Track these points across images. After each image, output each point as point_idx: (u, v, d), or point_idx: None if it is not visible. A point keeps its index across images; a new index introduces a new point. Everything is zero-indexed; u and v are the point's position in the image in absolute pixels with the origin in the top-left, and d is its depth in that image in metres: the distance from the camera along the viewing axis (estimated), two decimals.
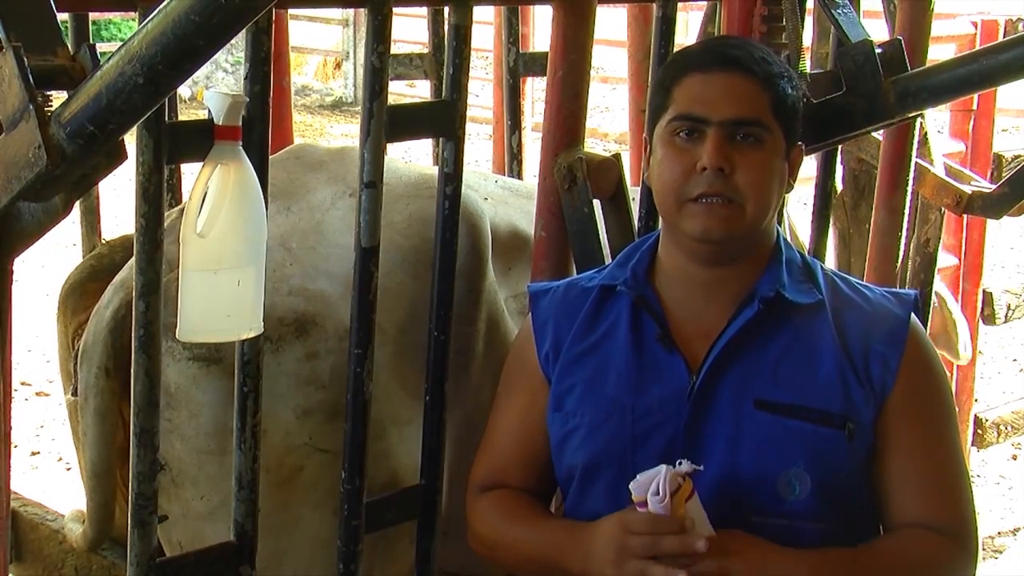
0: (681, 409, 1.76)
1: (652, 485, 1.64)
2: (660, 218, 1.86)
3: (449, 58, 2.01)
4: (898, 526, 1.78)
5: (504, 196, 2.43)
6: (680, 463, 1.64)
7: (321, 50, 14.75)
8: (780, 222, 2.39)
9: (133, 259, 1.69)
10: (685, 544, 1.62)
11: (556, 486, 1.94)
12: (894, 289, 1.97)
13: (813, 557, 1.69)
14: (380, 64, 1.86)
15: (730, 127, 1.73)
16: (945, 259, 3.83)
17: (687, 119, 1.75)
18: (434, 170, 2.20)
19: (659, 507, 1.63)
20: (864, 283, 1.90)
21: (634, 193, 2.30)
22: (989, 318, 4.25)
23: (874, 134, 2.84)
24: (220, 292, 1.67)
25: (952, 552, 1.75)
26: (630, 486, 1.66)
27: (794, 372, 1.75)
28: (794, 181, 1.85)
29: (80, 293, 2.17)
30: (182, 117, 2.12)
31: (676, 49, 2.20)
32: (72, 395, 2.11)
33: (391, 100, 1.89)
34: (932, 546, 1.74)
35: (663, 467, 1.64)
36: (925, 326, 2.92)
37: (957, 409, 4.15)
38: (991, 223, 4.21)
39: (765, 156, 1.75)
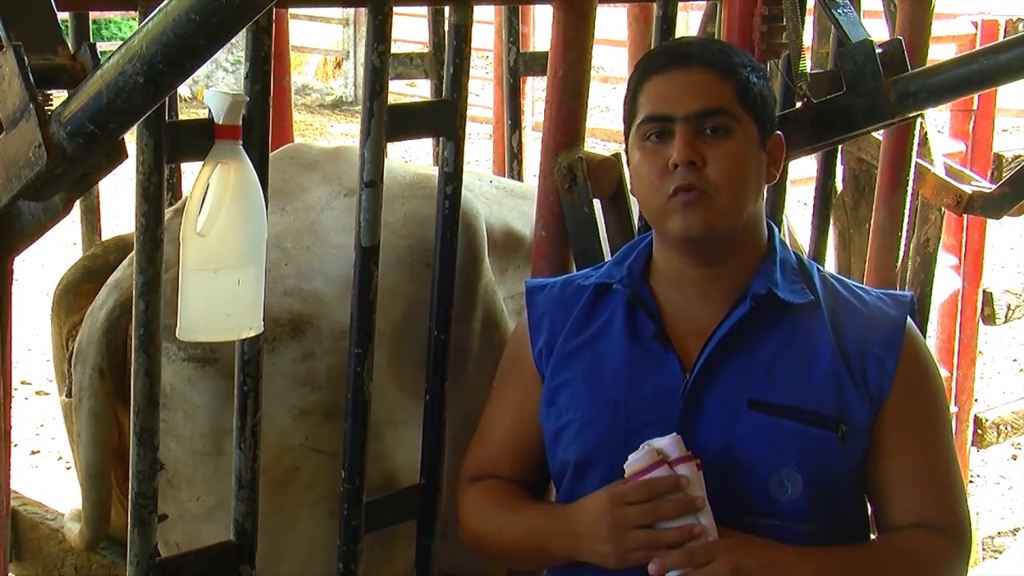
0: (674, 407, 1.76)
1: (668, 447, 1.66)
2: None
3: (449, 57, 2.01)
4: (895, 527, 1.78)
5: (499, 196, 2.43)
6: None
7: (321, 49, 14.75)
8: (779, 224, 2.40)
9: (133, 258, 1.69)
10: (686, 503, 1.63)
11: (547, 481, 1.95)
12: (891, 291, 1.97)
13: (818, 555, 1.70)
14: (380, 63, 1.86)
15: (696, 120, 1.74)
16: (945, 259, 3.83)
17: (654, 120, 1.76)
18: (430, 170, 2.20)
19: (684, 468, 1.65)
20: (861, 285, 1.90)
21: None
22: (989, 318, 4.25)
23: (874, 134, 2.84)
24: (220, 291, 1.67)
25: (949, 550, 1.76)
26: (625, 465, 1.67)
27: (788, 373, 1.76)
28: (777, 171, 1.85)
29: (74, 294, 2.16)
30: (182, 116, 2.12)
31: None
32: (67, 396, 2.11)
33: (391, 99, 1.90)
34: (931, 545, 1.75)
35: (656, 440, 1.67)
36: (924, 327, 2.93)
37: (956, 409, 4.17)
38: (991, 223, 4.21)
39: (736, 146, 1.75)
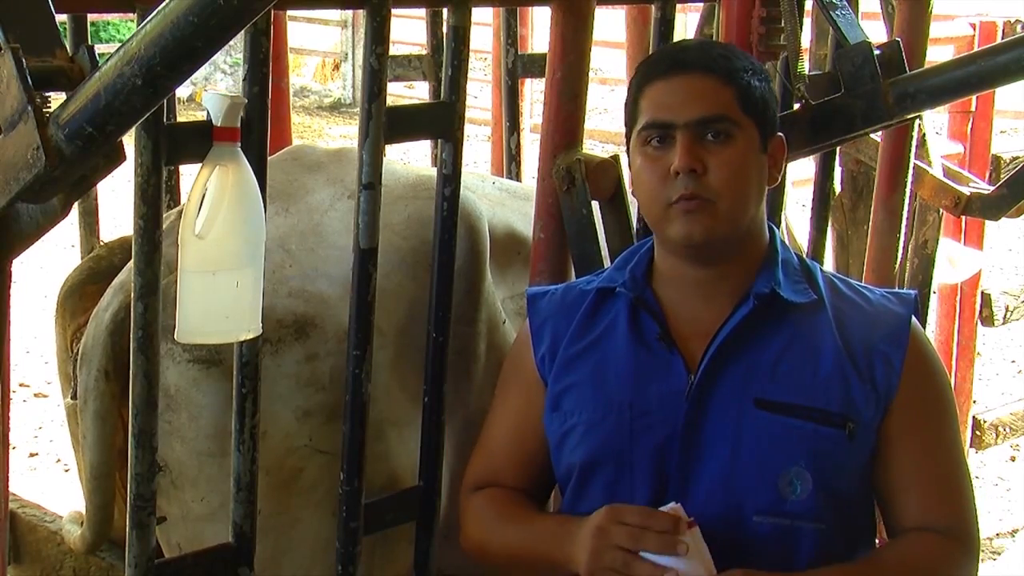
0: (679, 408, 1.76)
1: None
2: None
3: (448, 59, 2.01)
4: (902, 528, 1.78)
5: (501, 197, 2.43)
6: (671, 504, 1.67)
7: (320, 51, 14.75)
8: (778, 225, 2.40)
9: (132, 261, 1.69)
10: (667, 543, 1.62)
11: (551, 488, 1.95)
12: (894, 289, 1.97)
13: None
14: (379, 65, 1.86)
15: (696, 127, 1.74)
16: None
17: (655, 126, 1.77)
18: (432, 171, 2.20)
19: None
20: (864, 284, 1.91)
21: None
22: (987, 320, 4.25)
23: (873, 135, 2.84)
24: (219, 293, 1.67)
25: (955, 554, 1.75)
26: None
27: (794, 371, 1.76)
28: (778, 173, 1.85)
29: (79, 295, 2.16)
30: (180, 118, 2.12)
31: None
32: (71, 398, 2.11)
33: (390, 101, 1.90)
34: (936, 550, 1.74)
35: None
36: (924, 326, 2.93)
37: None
38: (989, 225, 4.21)
39: (737, 152, 1.75)
